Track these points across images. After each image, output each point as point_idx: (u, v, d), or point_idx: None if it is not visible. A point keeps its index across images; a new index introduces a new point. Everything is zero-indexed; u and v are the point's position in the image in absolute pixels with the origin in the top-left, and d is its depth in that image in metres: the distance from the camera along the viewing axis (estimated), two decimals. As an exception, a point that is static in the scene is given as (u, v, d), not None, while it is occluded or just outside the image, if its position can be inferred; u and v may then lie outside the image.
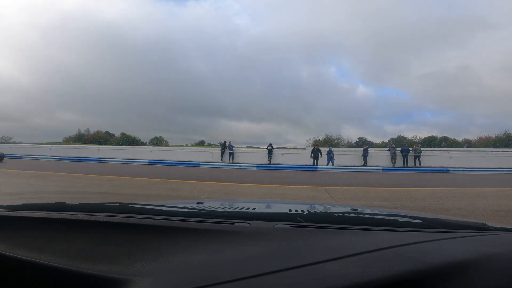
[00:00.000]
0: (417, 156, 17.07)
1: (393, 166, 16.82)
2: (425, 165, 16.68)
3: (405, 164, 16.94)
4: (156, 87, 70.14)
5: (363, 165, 16.94)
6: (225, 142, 20.13)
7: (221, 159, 19.44)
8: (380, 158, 18.00)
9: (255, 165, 16.68)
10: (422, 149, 18.26)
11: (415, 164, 16.91)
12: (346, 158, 18.02)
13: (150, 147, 24.09)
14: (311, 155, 16.78)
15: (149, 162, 18.34)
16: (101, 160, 19.57)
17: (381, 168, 15.76)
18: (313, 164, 16.44)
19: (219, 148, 20.35)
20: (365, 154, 17.39)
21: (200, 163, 17.52)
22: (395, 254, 0.57)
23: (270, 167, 16.57)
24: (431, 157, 17.72)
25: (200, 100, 71.95)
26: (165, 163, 18.00)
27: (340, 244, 0.64)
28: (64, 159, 20.44)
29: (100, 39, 70.07)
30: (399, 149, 17.85)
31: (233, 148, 19.57)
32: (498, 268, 0.54)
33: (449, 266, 0.53)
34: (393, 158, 17.21)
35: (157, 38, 74.59)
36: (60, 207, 0.95)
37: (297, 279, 0.50)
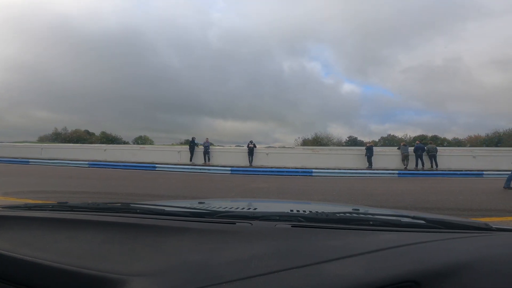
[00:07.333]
0: (432, 156, 13.63)
1: (405, 168, 13.32)
2: (442, 167, 13.27)
3: (420, 166, 13.46)
4: (137, 84, 64.38)
5: (368, 168, 13.37)
6: (193, 138, 15.83)
7: (191, 160, 15.23)
8: (385, 158, 14.36)
9: (229, 168, 12.49)
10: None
11: (431, 166, 13.48)
12: (346, 159, 14.39)
13: (104, 146, 19.50)
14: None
15: (89, 164, 13.86)
16: (29, 162, 14.94)
17: (396, 171, 12.13)
18: None
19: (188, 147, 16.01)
20: (369, 154, 13.77)
21: (157, 165, 13.21)
22: (397, 254, 0.57)
23: (249, 171, 12.46)
24: (447, 157, 14.31)
25: (185, 99, 67.06)
26: (109, 165, 13.58)
27: (342, 244, 0.63)
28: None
29: (76, 34, 62.83)
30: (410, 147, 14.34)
31: (209, 147, 15.34)
32: (501, 269, 0.53)
33: (452, 266, 0.52)
34: (405, 158, 13.69)
35: (130, 30, 68.48)
36: (62, 207, 0.96)
37: (298, 279, 0.49)
